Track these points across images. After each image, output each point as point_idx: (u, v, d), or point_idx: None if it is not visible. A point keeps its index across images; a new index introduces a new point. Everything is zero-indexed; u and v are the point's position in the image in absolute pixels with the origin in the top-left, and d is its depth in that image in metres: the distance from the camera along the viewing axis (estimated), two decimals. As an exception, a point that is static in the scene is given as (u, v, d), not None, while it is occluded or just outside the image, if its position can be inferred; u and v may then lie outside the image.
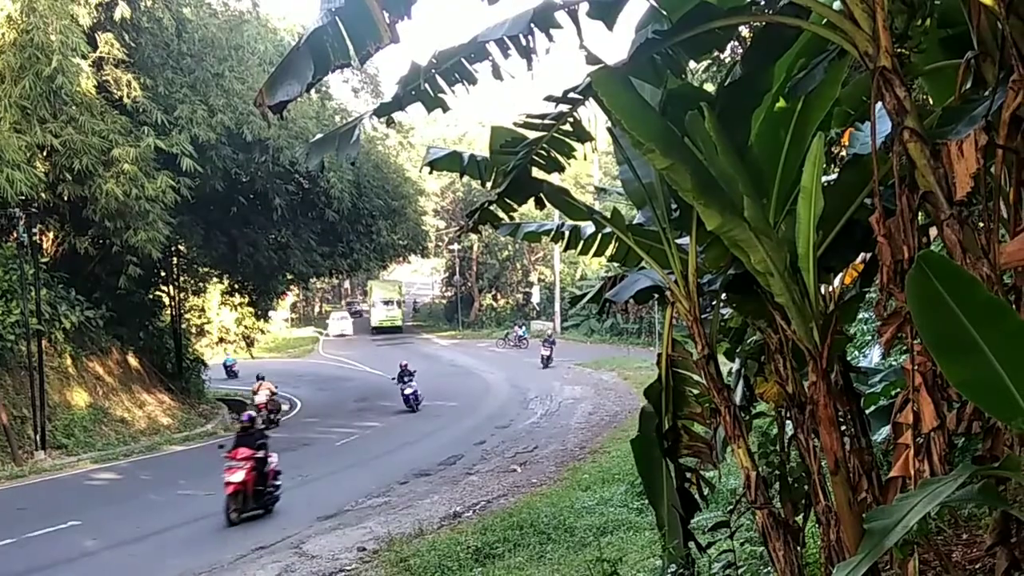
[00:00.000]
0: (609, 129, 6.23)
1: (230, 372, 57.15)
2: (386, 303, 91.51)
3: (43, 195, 28.17)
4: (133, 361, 38.74)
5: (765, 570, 7.49)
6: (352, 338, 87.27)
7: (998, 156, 4.14)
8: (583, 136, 6.45)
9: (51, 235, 33.92)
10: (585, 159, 7.41)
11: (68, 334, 31.87)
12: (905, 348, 4.46)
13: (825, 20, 4.64)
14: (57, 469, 27.12)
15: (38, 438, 28.06)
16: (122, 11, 28.29)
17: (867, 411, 6.17)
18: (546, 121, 6.28)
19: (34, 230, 29.26)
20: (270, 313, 58.74)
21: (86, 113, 28.28)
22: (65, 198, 29.02)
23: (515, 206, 6.90)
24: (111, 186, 28.26)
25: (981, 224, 4.38)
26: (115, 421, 33.36)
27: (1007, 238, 4.14)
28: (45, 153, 27.97)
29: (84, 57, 27.64)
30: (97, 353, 35.51)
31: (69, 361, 32.89)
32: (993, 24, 4.34)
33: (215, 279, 49.54)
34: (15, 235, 28.91)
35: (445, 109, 6.04)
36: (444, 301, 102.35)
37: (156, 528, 18.93)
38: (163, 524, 19.29)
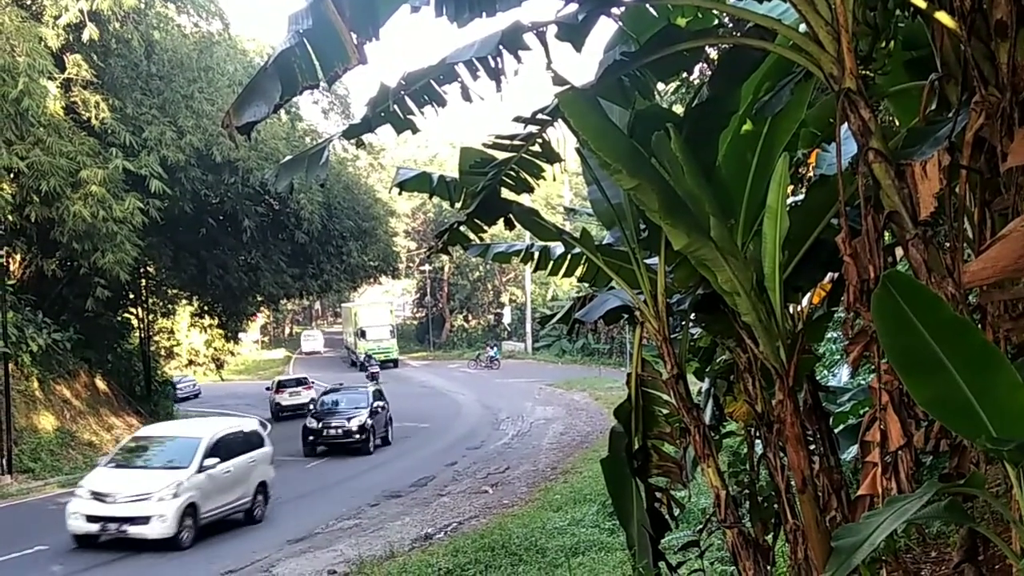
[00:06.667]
0: (578, 150, 6.25)
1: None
2: (376, 330, 75.39)
3: (10, 217, 27.92)
4: (101, 384, 38.33)
5: (736, 589, 7.49)
6: (322, 358, 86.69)
7: (962, 176, 4.19)
8: (552, 157, 6.47)
9: (18, 257, 33.57)
10: (555, 180, 7.43)
11: (35, 357, 31.40)
12: (873, 367, 4.49)
13: (791, 42, 4.68)
14: (23, 494, 26.73)
15: (4, 462, 27.68)
16: (90, 32, 28.07)
17: (836, 430, 6.21)
18: (515, 142, 6.29)
19: (1, 252, 28.96)
20: (240, 335, 58.40)
21: (53, 135, 27.99)
22: (32, 220, 28.70)
23: (485, 227, 6.90)
24: (79, 208, 27.97)
25: (946, 244, 4.42)
26: (83, 445, 32.95)
27: (972, 257, 4.18)
28: (12, 175, 27.69)
29: (52, 79, 27.38)
30: (64, 376, 35.13)
31: (36, 384, 32.52)
32: (956, 46, 4.40)
33: (184, 301, 49.25)
34: (-19, 258, 28.66)
35: (415, 131, 6.05)
36: (415, 322, 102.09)
37: (124, 553, 18.69)
38: (130, 549, 19.03)
